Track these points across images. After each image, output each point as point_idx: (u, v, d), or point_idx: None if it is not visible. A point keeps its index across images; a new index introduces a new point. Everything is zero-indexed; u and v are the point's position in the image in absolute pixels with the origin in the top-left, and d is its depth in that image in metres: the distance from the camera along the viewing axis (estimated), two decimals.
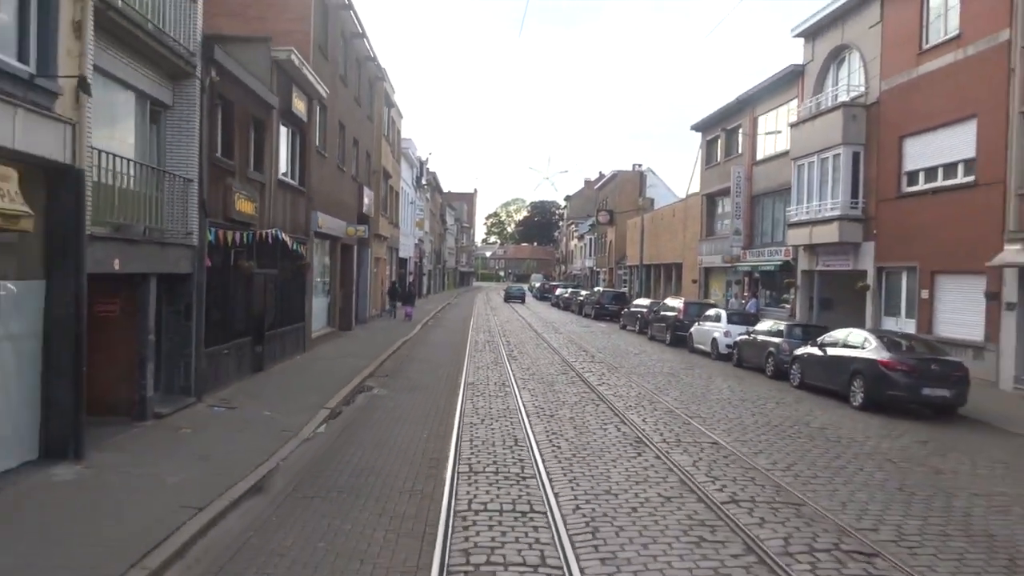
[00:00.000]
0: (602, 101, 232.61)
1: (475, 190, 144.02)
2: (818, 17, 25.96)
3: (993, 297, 17.70)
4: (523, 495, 8.31)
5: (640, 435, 11.59)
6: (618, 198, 67.24)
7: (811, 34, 26.92)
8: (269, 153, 17.26)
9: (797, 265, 27.51)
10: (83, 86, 8.83)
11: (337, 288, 26.61)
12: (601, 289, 53.12)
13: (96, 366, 10.08)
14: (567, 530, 7.13)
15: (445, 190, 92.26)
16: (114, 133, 11.08)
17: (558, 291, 63.74)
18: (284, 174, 18.83)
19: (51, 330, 8.91)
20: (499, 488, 8.56)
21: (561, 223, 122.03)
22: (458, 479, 8.87)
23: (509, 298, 64.72)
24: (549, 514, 7.62)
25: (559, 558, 6.49)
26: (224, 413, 12.40)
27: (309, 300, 21.75)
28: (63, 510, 7.32)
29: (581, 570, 6.22)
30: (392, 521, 7.52)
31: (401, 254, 46.77)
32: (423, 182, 59.81)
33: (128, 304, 11.24)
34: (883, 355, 14.57)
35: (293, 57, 17.69)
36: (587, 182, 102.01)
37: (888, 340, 15.30)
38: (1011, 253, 16.92)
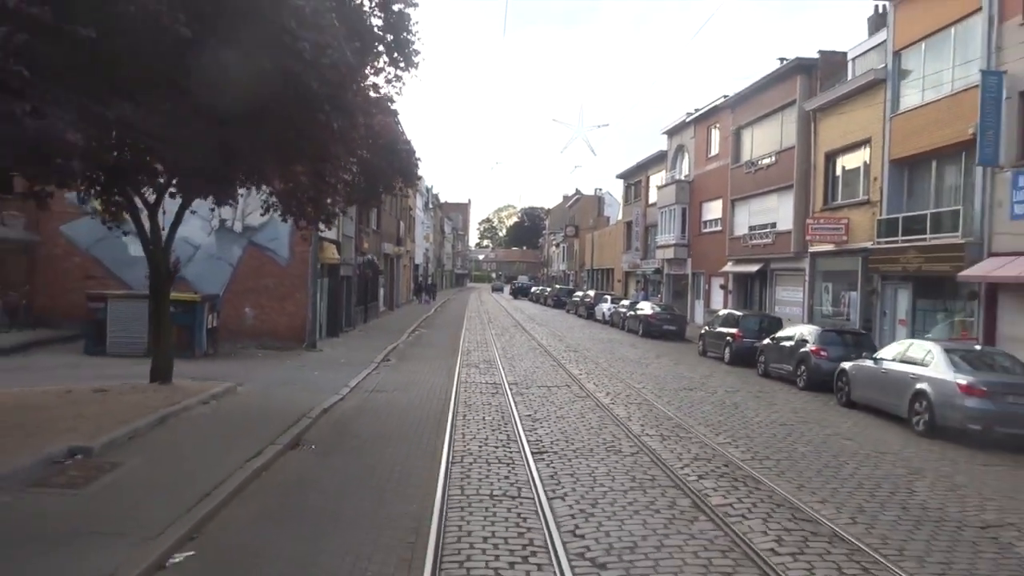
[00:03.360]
0: (599, 101, 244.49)
1: (469, 200, 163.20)
2: (672, 124, 44.17)
3: (724, 287, 35.94)
4: (484, 345, 26.43)
5: (536, 340, 29.77)
6: (582, 216, 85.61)
7: (670, 133, 45.17)
8: (370, 219, 35.35)
9: (664, 271, 45.69)
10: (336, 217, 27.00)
11: (387, 284, 44.73)
12: (559, 286, 71.42)
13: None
14: (497, 352, 25.23)
15: (443, 200, 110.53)
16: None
17: (533, 289, 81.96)
18: (374, 227, 36.95)
19: (331, 296, 26.97)
20: (478, 348, 26.67)
21: (544, 231, 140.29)
22: (462, 351, 26.92)
23: (494, 290, 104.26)
24: (493, 348, 25.72)
25: (495, 355, 24.63)
26: (367, 332, 30.44)
27: (377, 290, 39.84)
28: (349, 345, 25.41)
29: (499, 357, 24.30)
30: (444, 348, 25.66)
31: (416, 261, 64.84)
32: (429, 205, 77.95)
33: (339, 288, 29.30)
34: (649, 312, 32.82)
35: None
36: (565, 197, 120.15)
37: (653, 306, 33.53)
38: (728, 265, 35.10)
